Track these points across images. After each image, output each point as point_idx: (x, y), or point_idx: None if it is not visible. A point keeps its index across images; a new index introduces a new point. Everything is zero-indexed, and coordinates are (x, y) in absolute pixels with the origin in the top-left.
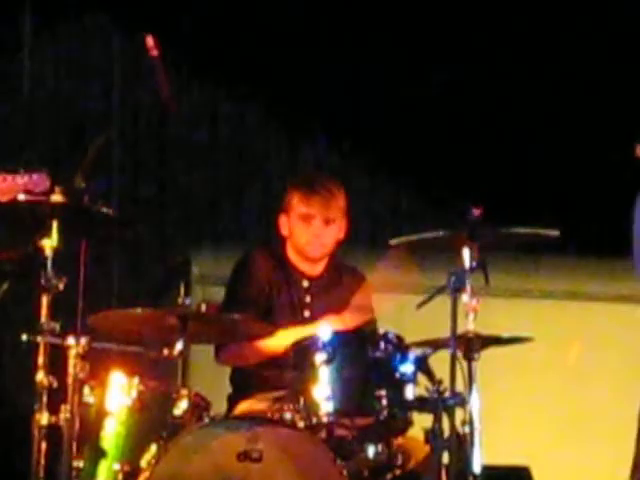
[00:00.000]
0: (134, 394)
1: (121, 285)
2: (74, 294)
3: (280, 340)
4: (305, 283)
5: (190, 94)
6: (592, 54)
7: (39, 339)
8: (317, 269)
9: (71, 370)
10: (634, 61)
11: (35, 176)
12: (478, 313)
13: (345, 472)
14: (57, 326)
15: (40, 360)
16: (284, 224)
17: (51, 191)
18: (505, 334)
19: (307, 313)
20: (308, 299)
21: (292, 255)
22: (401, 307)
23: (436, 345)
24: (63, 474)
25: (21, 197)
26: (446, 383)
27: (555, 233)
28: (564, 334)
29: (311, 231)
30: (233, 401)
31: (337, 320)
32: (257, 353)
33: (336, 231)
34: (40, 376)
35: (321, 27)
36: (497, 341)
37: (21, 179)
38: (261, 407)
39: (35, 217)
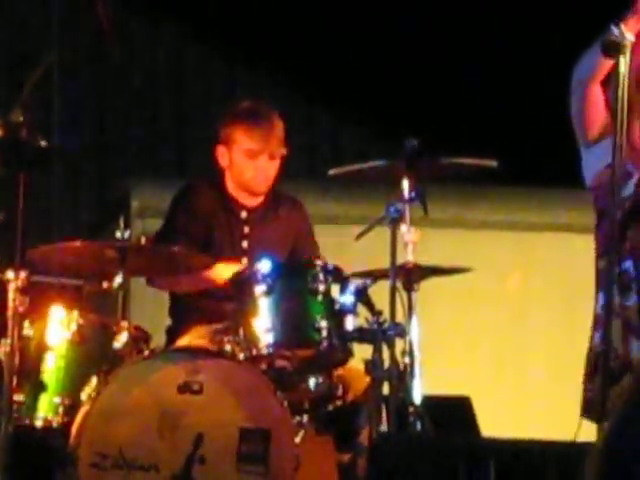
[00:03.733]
0: (74, 327)
1: (60, 218)
2: (13, 228)
3: (217, 273)
4: (243, 214)
5: (129, 28)
6: None
7: None
8: (256, 200)
9: (11, 304)
10: None
11: None
12: (417, 244)
13: (285, 403)
14: None
15: None
16: (223, 155)
17: None
18: (444, 264)
19: (245, 244)
20: (247, 230)
21: (231, 186)
22: (340, 238)
23: (376, 276)
24: (3, 408)
25: None
26: (386, 314)
27: (493, 163)
28: (503, 264)
29: (257, 166)
30: (172, 333)
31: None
32: (192, 283)
33: (278, 164)
34: None
35: None
36: (436, 271)
37: None
38: (201, 340)
39: None
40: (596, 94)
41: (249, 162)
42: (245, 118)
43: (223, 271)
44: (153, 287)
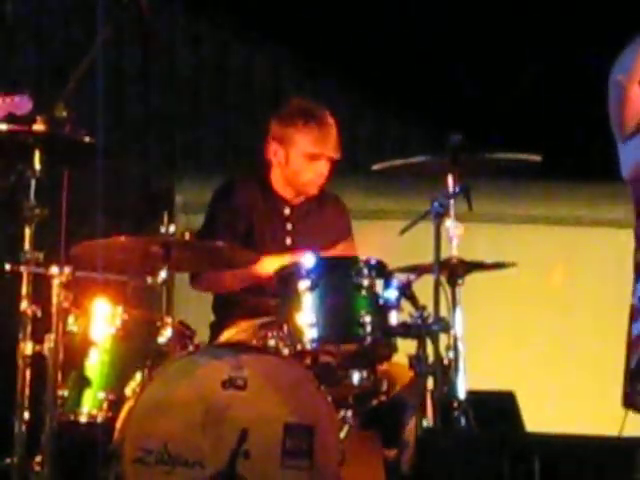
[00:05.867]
0: (118, 323)
1: (104, 214)
2: (57, 223)
3: (262, 268)
4: (286, 210)
5: (173, 22)
6: None
7: (22, 269)
8: (299, 197)
9: (55, 300)
10: None
11: (17, 98)
12: (461, 239)
13: (330, 399)
14: (40, 255)
15: (24, 290)
16: (277, 153)
17: (33, 118)
18: (488, 260)
19: (289, 241)
20: (289, 226)
21: (277, 182)
22: (384, 233)
23: (420, 271)
24: (48, 403)
25: (2, 126)
26: (430, 309)
27: (537, 158)
28: (547, 259)
29: (315, 169)
30: (216, 329)
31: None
32: (235, 280)
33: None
34: (24, 305)
35: None
36: (481, 267)
37: (3, 102)
38: (245, 335)
39: (17, 146)
40: (635, 93)
41: (308, 165)
42: (307, 121)
43: (268, 265)
44: (194, 289)
